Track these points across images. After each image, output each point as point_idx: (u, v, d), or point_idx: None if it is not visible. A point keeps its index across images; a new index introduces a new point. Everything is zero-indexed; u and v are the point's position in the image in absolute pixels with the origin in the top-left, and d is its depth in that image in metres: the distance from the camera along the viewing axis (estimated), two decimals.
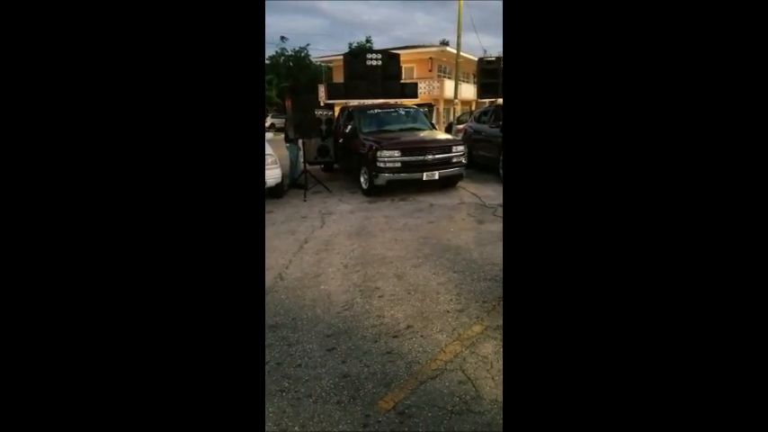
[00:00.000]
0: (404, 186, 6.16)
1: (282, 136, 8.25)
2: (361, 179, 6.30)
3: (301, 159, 6.73)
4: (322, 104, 7.46)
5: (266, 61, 20.48)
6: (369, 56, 7.68)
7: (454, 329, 2.35)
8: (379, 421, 1.67)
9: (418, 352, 2.14)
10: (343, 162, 7.49)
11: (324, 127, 6.97)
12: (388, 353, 2.14)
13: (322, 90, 7.83)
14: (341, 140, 7.26)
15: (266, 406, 1.78)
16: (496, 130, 7.34)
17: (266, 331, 2.41)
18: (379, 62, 7.60)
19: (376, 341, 2.25)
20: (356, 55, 8.86)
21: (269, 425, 1.68)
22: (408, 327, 2.40)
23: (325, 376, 1.97)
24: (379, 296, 2.81)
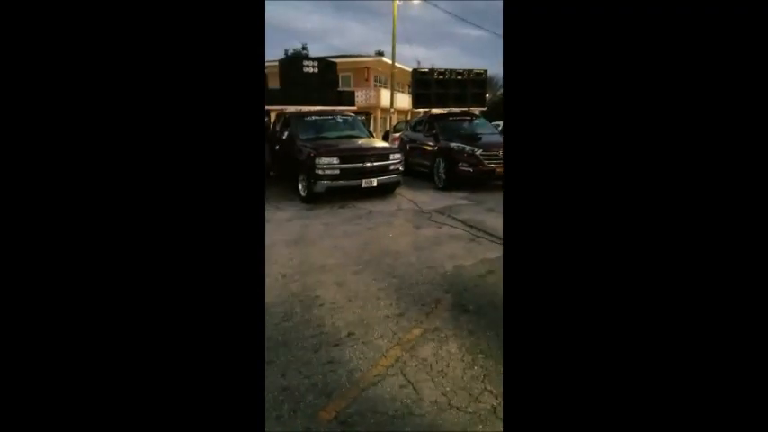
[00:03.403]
0: (342, 194, 6.14)
1: None
2: (299, 186, 6.18)
3: None
4: None
5: None
6: (305, 63, 7.61)
7: (395, 334, 2.38)
8: None
9: (360, 359, 2.13)
10: (280, 169, 7.29)
11: None
12: (329, 362, 2.10)
13: None
14: (277, 147, 7.07)
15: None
16: (431, 139, 7.61)
17: None
18: (316, 69, 7.55)
19: (316, 351, 2.21)
20: (292, 61, 8.72)
21: None
22: (349, 334, 2.39)
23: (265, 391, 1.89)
24: (320, 305, 2.77)
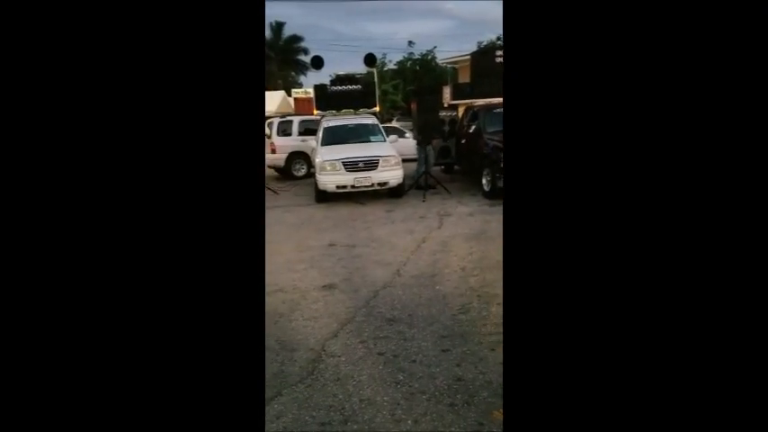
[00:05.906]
0: None
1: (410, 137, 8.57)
2: (483, 181, 6.12)
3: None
4: (446, 105, 7.46)
5: (393, 67, 21.25)
6: (498, 53, 7.40)
7: None
8: None
9: None
10: (464, 163, 7.38)
11: (447, 128, 6.96)
12: None
13: (447, 91, 7.83)
14: (463, 141, 7.17)
15: (381, 395, 1.86)
16: None
17: (383, 324, 2.52)
18: None
19: (493, 350, 2.17)
20: (484, 53, 8.61)
21: (383, 413, 1.75)
22: None
23: (439, 376, 1.97)
24: (498, 303, 2.69)
